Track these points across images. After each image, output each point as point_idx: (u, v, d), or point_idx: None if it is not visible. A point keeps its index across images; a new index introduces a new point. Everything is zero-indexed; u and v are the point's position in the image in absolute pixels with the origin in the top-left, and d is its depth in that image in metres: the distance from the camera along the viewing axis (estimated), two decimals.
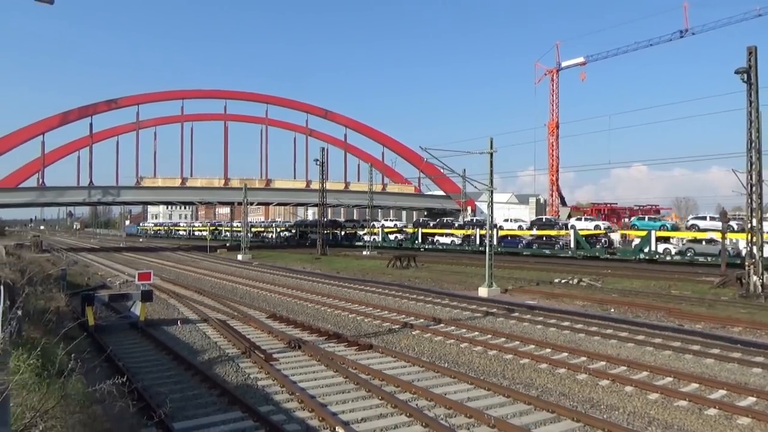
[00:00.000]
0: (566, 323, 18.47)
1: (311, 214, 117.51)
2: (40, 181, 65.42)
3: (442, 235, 64.37)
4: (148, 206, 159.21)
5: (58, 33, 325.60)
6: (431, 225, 68.02)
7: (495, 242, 55.25)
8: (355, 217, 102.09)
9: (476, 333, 17.10)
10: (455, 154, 36.10)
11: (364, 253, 58.51)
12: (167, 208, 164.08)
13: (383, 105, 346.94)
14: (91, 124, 68.86)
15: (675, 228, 48.52)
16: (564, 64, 76.89)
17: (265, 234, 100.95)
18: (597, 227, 52.19)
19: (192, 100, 76.02)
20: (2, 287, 11.56)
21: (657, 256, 43.66)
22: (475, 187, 33.59)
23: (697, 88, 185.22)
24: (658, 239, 44.86)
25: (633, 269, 37.00)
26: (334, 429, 9.07)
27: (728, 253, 36.33)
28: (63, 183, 68.81)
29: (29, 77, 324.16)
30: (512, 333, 17.03)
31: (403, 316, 20.41)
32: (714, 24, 66.44)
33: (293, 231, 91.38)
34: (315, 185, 68.65)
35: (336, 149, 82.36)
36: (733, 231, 39.21)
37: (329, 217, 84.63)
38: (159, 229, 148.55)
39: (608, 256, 46.78)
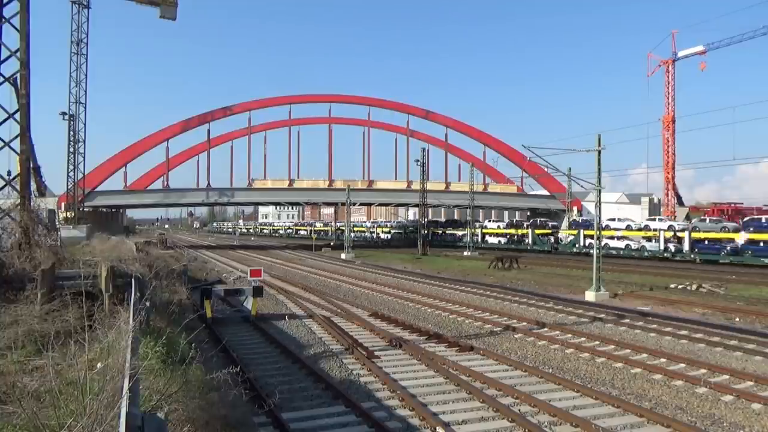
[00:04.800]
0: (683, 332, 17.21)
1: (412, 214, 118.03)
2: (165, 183, 71.19)
3: (611, 237, 54.53)
4: (259, 206, 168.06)
5: (185, 50, 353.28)
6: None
7: (687, 248, 46.62)
8: (456, 217, 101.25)
9: (583, 339, 16.41)
10: (560, 152, 34.90)
11: (465, 253, 58.01)
12: (276, 208, 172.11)
13: (485, 103, 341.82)
14: (208, 130, 73.72)
15: None
16: (681, 53, 71.13)
17: (369, 233, 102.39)
18: None
19: (298, 104, 79.22)
20: (134, 280, 12.75)
21: None
22: (582, 186, 32.16)
23: None
24: None
25: (762, 275, 33.64)
26: (435, 429, 9.10)
27: None
28: (184, 185, 74.76)
29: (158, 89, 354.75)
30: (622, 340, 16.14)
31: (505, 318, 20.02)
32: None
33: (410, 230, 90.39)
34: (416, 185, 68.99)
35: (437, 149, 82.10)
36: None
37: (429, 218, 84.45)
38: (233, 227, 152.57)
39: None
